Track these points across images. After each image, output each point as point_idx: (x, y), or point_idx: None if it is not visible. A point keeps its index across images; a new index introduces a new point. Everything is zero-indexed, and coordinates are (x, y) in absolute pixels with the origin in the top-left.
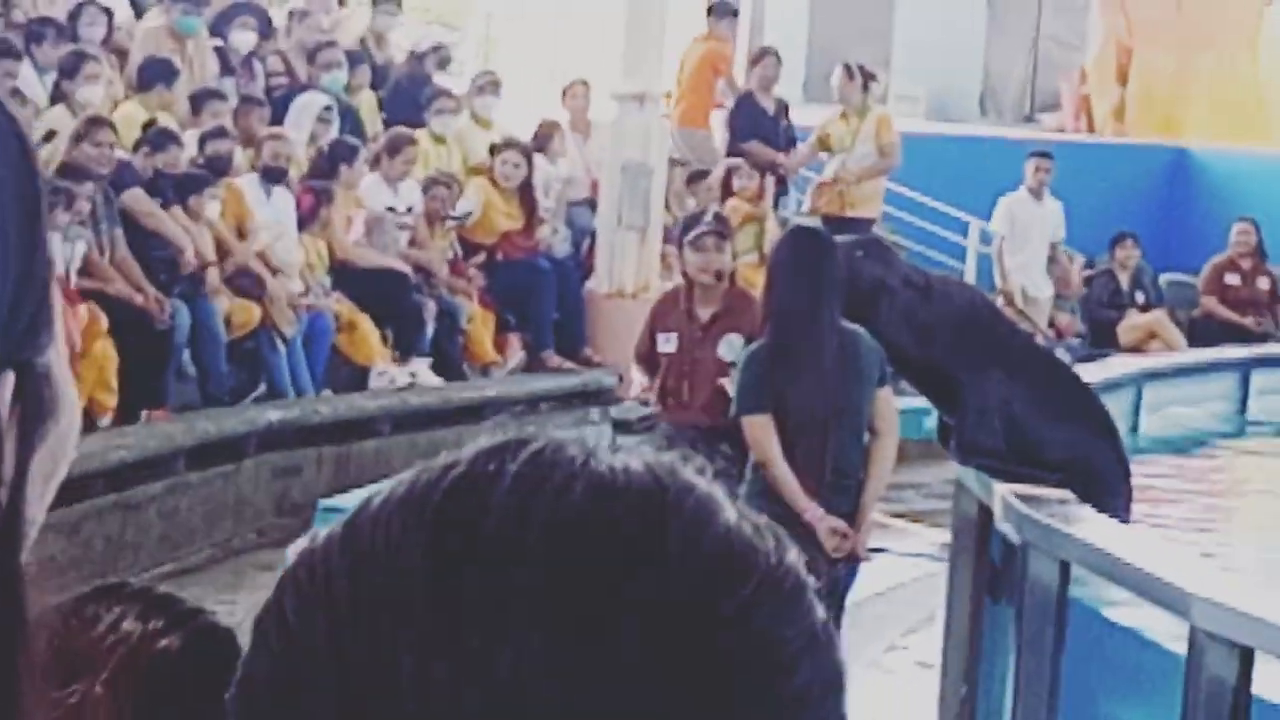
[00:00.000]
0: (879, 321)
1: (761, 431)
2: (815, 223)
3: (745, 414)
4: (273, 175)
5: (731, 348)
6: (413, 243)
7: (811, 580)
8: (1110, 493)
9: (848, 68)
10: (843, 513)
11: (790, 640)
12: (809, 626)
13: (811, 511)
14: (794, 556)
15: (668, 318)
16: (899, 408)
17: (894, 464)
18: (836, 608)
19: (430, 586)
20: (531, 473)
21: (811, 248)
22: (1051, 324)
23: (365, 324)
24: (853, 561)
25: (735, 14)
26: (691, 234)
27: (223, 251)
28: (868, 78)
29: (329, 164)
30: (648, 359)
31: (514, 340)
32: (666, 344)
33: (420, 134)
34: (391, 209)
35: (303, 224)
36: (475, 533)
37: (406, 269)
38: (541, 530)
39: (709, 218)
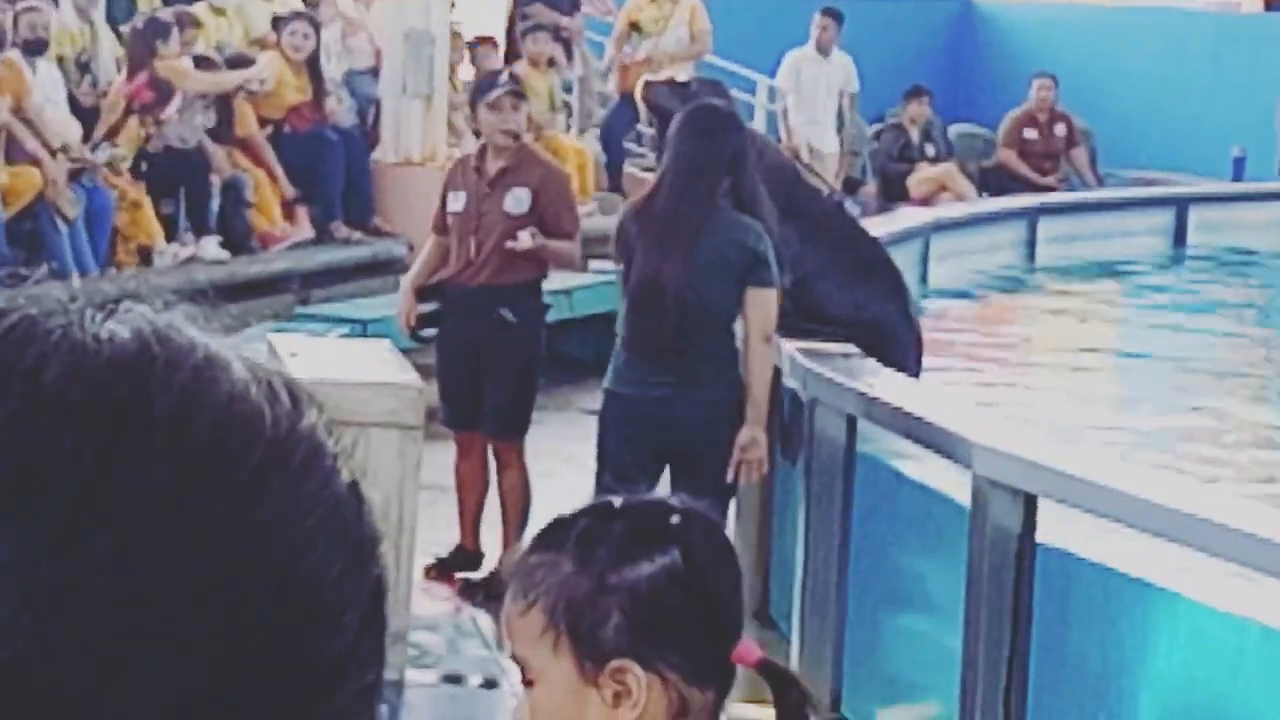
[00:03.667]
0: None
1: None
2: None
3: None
4: (33, 48)
5: (518, 201)
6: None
7: (335, 444)
8: (900, 352)
9: None
10: (702, 399)
11: (302, 517)
12: (326, 499)
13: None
14: (312, 419)
15: (458, 178)
16: None
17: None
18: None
19: None
20: (3, 354)
21: (706, 121)
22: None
23: (149, 203)
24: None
25: None
26: (487, 95)
27: None
28: None
29: (146, 41)
30: (441, 225)
31: (302, 212)
32: (455, 202)
33: (199, 8)
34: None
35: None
36: None
37: (215, 148)
38: (6, 422)
39: (504, 78)
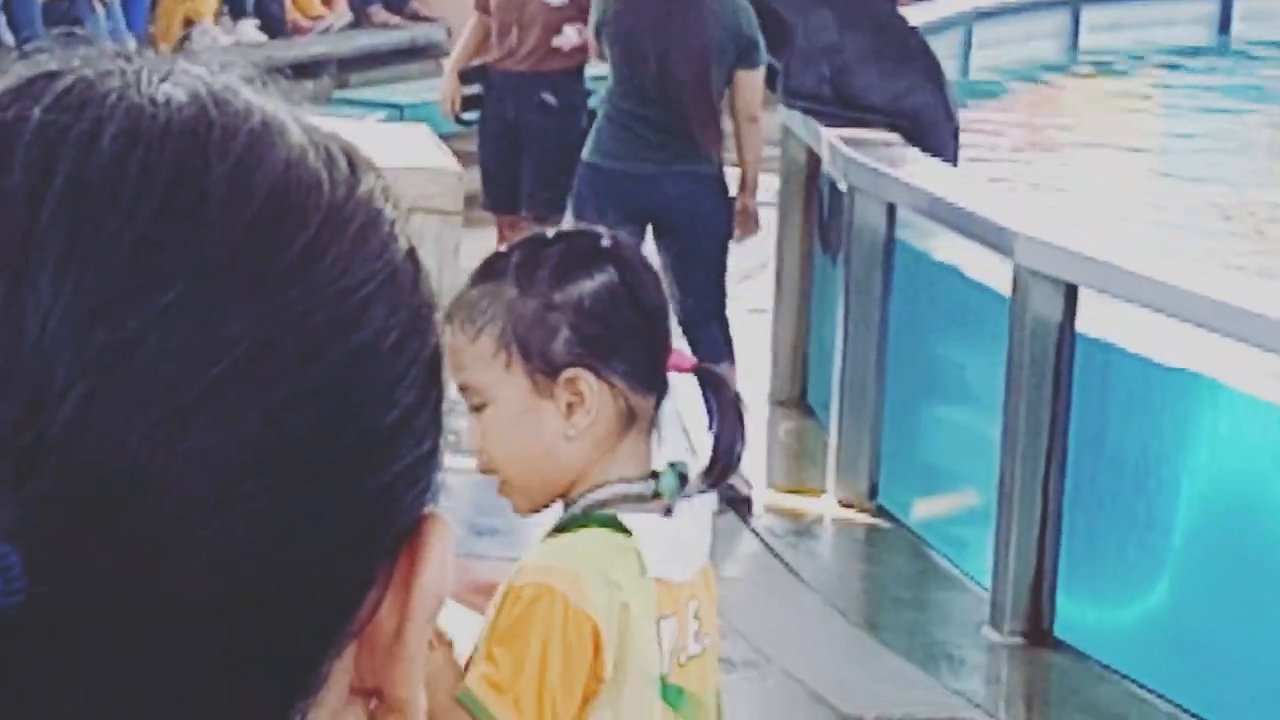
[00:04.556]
0: None
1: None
2: None
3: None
4: None
5: None
6: None
7: (392, 210)
8: (939, 141)
9: None
10: (691, 173)
11: (359, 285)
12: (383, 267)
13: None
14: (370, 184)
15: None
16: None
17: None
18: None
19: None
20: (57, 118)
21: None
22: None
23: None
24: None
25: None
26: None
27: None
28: None
29: None
30: (484, 3)
31: None
32: None
33: None
34: None
35: None
36: None
37: None
38: (64, 184)
39: None
